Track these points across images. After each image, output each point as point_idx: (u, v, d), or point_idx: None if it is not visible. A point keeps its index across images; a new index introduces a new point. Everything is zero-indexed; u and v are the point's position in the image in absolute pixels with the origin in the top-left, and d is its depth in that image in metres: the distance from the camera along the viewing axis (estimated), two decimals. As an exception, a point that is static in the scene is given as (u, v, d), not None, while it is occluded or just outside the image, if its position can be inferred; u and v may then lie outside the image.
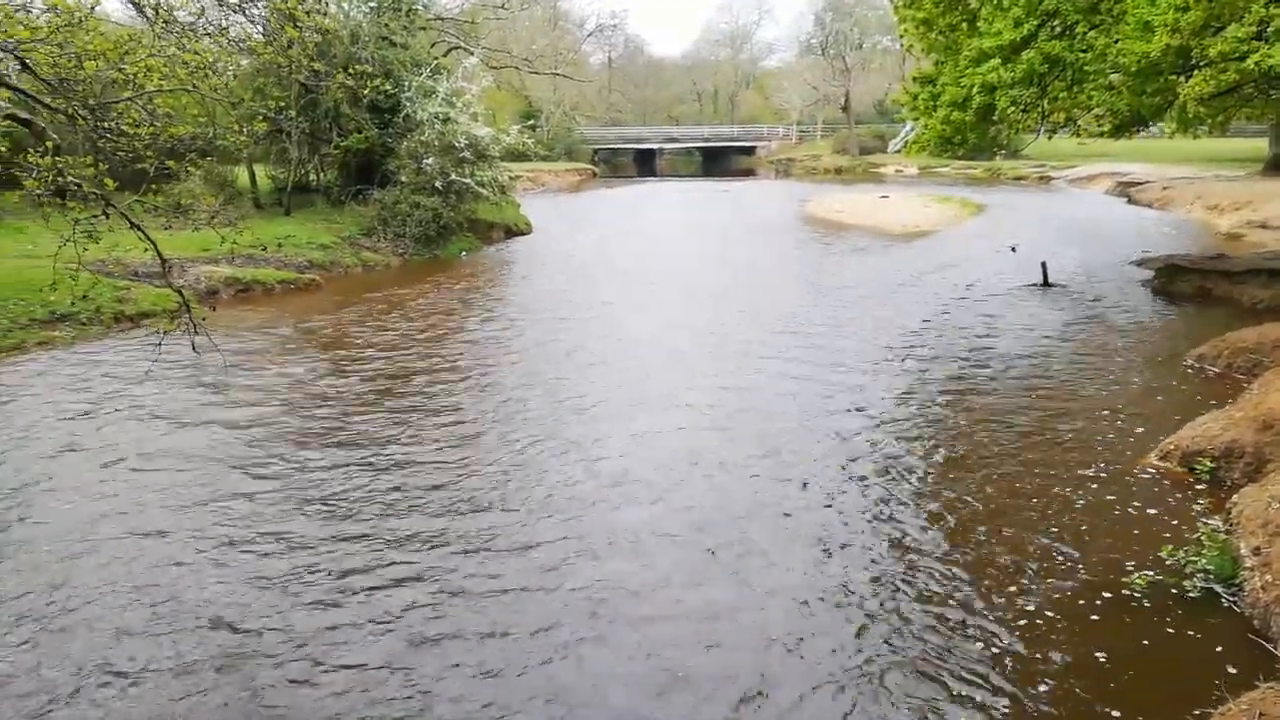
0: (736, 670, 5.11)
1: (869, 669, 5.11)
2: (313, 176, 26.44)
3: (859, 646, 5.34)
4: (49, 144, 4.85)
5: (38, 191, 4.85)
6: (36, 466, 8.31)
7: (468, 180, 23.46)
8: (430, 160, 22.94)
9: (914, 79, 17.35)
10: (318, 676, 5.12)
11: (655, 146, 70.88)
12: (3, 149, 5.14)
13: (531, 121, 36.81)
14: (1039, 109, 15.36)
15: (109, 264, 15.31)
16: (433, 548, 6.66)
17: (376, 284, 18.80)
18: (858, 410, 9.68)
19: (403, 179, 23.11)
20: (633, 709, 4.79)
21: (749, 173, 64.36)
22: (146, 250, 6.24)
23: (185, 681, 5.07)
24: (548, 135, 53.04)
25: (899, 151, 59.73)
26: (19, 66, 6.29)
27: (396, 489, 7.75)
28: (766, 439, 8.87)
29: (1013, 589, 5.93)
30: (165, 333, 6.23)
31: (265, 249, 14.42)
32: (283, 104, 19.40)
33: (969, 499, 7.35)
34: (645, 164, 69.95)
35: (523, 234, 27.17)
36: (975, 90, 14.51)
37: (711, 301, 16.19)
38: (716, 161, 71.31)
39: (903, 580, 6.10)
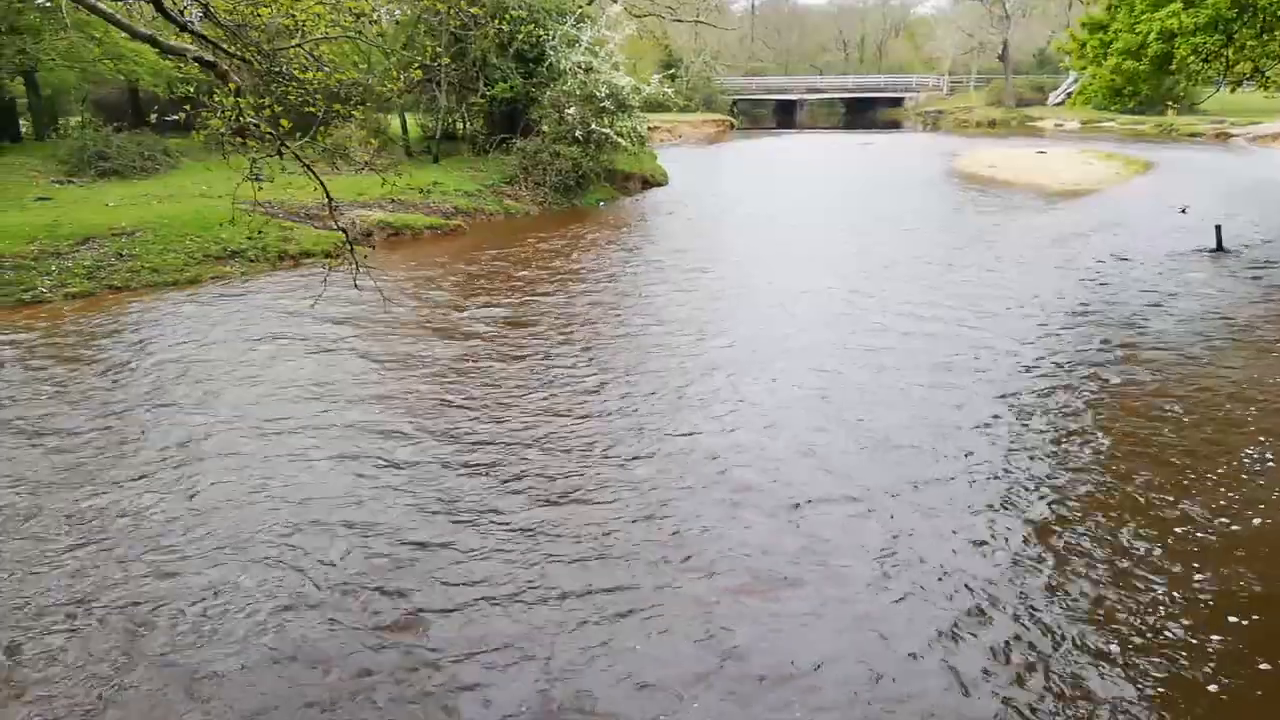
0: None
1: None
2: (459, 125, 27.18)
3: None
4: (232, 85, 5.20)
5: (221, 130, 5.22)
6: (210, 387, 9.04)
7: (607, 130, 23.55)
8: (572, 110, 23.16)
9: (1083, 24, 16.18)
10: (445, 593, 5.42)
11: (796, 97, 69.00)
12: (189, 90, 5.52)
13: (671, 71, 36.37)
14: (1222, 58, 14.03)
15: (274, 206, 16.29)
16: (569, 478, 6.88)
17: (517, 231, 19.24)
18: (992, 378, 9.26)
19: (544, 128, 23.44)
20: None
21: (895, 125, 61.89)
22: (312, 191, 6.60)
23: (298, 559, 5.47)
24: (687, 85, 52.39)
25: (1060, 104, 55.94)
26: (201, 14, 6.72)
27: (532, 421, 8.01)
28: (905, 400, 8.66)
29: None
30: (330, 269, 6.60)
31: (425, 192, 14.83)
32: (434, 53, 19.94)
33: (1114, 496, 6.96)
34: (785, 115, 68.30)
35: (659, 185, 27.14)
36: (1152, 37, 13.42)
37: (851, 257, 15.78)
38: (860, 113, 68.78)
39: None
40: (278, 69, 6.54)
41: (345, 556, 5.87)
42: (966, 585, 5.44)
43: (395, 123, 26.70)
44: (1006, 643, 4.91)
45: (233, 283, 13.90)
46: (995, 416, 8.16)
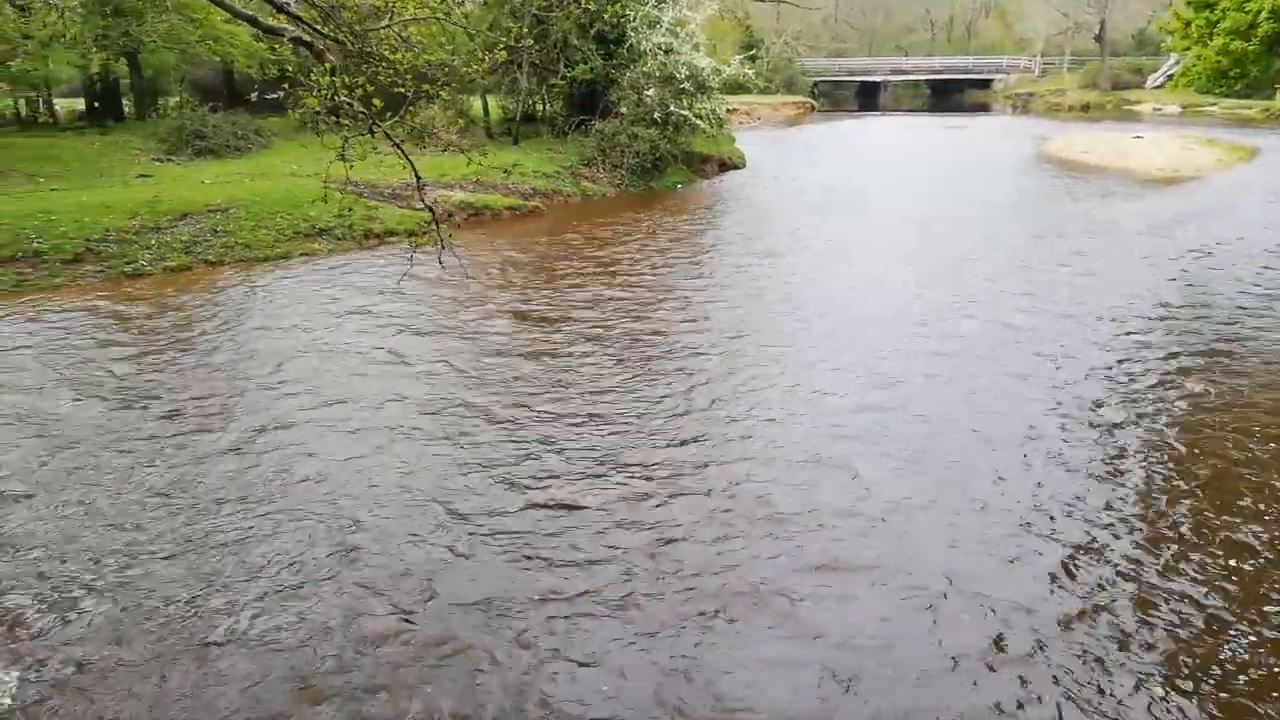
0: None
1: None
2: (539, 107, 27.38)
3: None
4: (328, 65, 5.35)
5: (317, 109, 5.38)
6: (298, 359, 9.35)
7: (686, 112, 23.45)
8: (651, 91, 23.11)
9: (1188, 3, 15.41)
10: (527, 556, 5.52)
11: (880, 79, 67.45)
12: (286, 69, 5.69)
13: (752, 52, 35.93)
14: (1340, 39, 13.22)
15: (361, 185, 16.70)
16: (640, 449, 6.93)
17: (594, 213, 19.33)
18: (1069, 375, 8.94)
19: (623, 110, 23.46)
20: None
21: (982, 108, 60.03)
22: (398, 172, 6.73)
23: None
24: (767, 66, 51.75)
25: (1159, 87, 53.50)
26: (296, -4, 6.92)
27: (608, 398, 8.08)
28: (977, 392, 8.45)
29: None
30: (417, 246, 6.75)
31: (506, 173, 15.02)
32: (518, 34, 20.13)
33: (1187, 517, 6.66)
34: (868, 97, 66.87)
35: (737, 168, 26.90)
36: (1263, 15, 12.71)
37: (933, 243, 15.44)
38: (946, 95, 66.93)
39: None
40: (368, 49, 6.69)
41: (436, 530, 6.03)
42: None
43: (477, 105, 27.05)
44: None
45: (320, 259, 14.32)
46: (1064, 434, 7.44)
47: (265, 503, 6.35)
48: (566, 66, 24.49)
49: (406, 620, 5.04)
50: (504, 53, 10.87)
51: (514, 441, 7.38)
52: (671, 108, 23.27)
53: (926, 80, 69.59)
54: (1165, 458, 7.08)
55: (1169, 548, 5.71)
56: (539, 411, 8.00)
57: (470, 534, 5.94)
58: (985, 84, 66.61)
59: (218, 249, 14.13)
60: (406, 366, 9.20)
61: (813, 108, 57.14)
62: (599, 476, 6.74)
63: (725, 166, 26.74)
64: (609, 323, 10.76)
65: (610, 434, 7.51)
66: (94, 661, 4.70)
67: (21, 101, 26.88)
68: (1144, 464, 6.97)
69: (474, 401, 8.25)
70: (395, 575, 5.47)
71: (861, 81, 68.09)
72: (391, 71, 6.50)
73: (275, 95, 6.77)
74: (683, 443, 7.34)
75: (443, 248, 6.31)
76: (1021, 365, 9.13)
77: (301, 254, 14.55)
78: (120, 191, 16.48)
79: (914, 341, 9.93)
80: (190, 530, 5.99)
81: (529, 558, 5.66)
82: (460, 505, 6.32)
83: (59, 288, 12.36)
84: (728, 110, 26.89)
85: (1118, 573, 5.45)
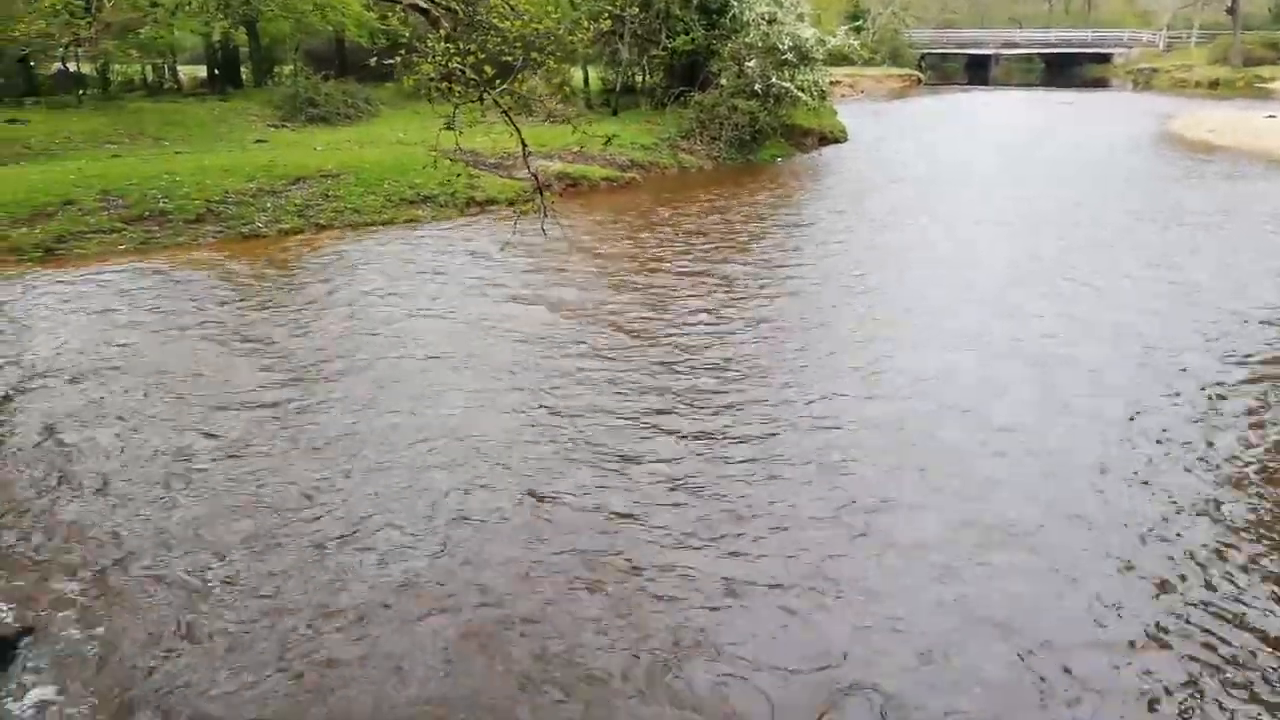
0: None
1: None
2: (638, 78, 27.36)
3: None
4: (443, 31, 5.48)
5: (431, 76, 5.53)
6: (399, 321, 9.67)
7: (788, 84, 23.03)
8: (752, 63, 22.78)
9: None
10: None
11: (991, 52, 64.78)
12: (402, 36, 5.87)
13: (857, 23, 35.11)
14: None
15: (464, 153, 17.03)
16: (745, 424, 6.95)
17: (690, 185, 19.26)
18: (1166, 403, 7.96)
19: (723, 82, 23.22)
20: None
21: (1100, 84, 57.12)
22: (500, 141, 6.85)
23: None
24: (872, 38, 50.41)
25: (1299, 62, 49.91)
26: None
27: (703, 369, 8.11)
28: (1097, 386, 8.15)
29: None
30: (521, 214, 6.88)
31: (607, 143, 15.08)
32: (622, 4, 20.13)
33: None
34: (977, 71, 64.37)
35: (838, 142, 26.35)
36: None
37: (1041, 224, 14.85)
38: (1061, 70, 63.84)
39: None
40: (479, 18, 6.81)
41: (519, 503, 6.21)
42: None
43: (577, 76, 27.18)
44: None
45: (423, 226, 14.70)
46: (1148, 462, 6.55)
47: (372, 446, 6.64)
48: (668, 37, 24.36)
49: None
50: (609, 21, 10.88)
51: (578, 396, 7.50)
52: (773, 79, 22.90)
53: (1041, 54, 66.49)
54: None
55: None
56: (611, 377, 8.09)
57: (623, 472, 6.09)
58: (1104, 58, 63.28)
59: (328, 213, 14.65)
60: (501, 328, 9.40)
61: (919, 81, 55.47)
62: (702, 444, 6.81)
63: (825, 140, 26.22)
64: (711, 295, 10.76)
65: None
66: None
67: (149, 68, 28.24)
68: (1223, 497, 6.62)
69: (570, 368, 8.39)
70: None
71: (971, 54, 65.56)
72: (500, 39, 6.61)
73: (387, 63, 6.97)
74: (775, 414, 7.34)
75: (545, 215, 6.42)
76: (1109, 368, 8.77)
77: (406, 220, 14.96)
78: (239, 156, 17.23)
79: (998, 336, 9.63)
80: (286, 465, 6.31)
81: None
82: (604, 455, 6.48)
83: (182, 246, 13.05)
84: (830, 82, 26.32)
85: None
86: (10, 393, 7.90)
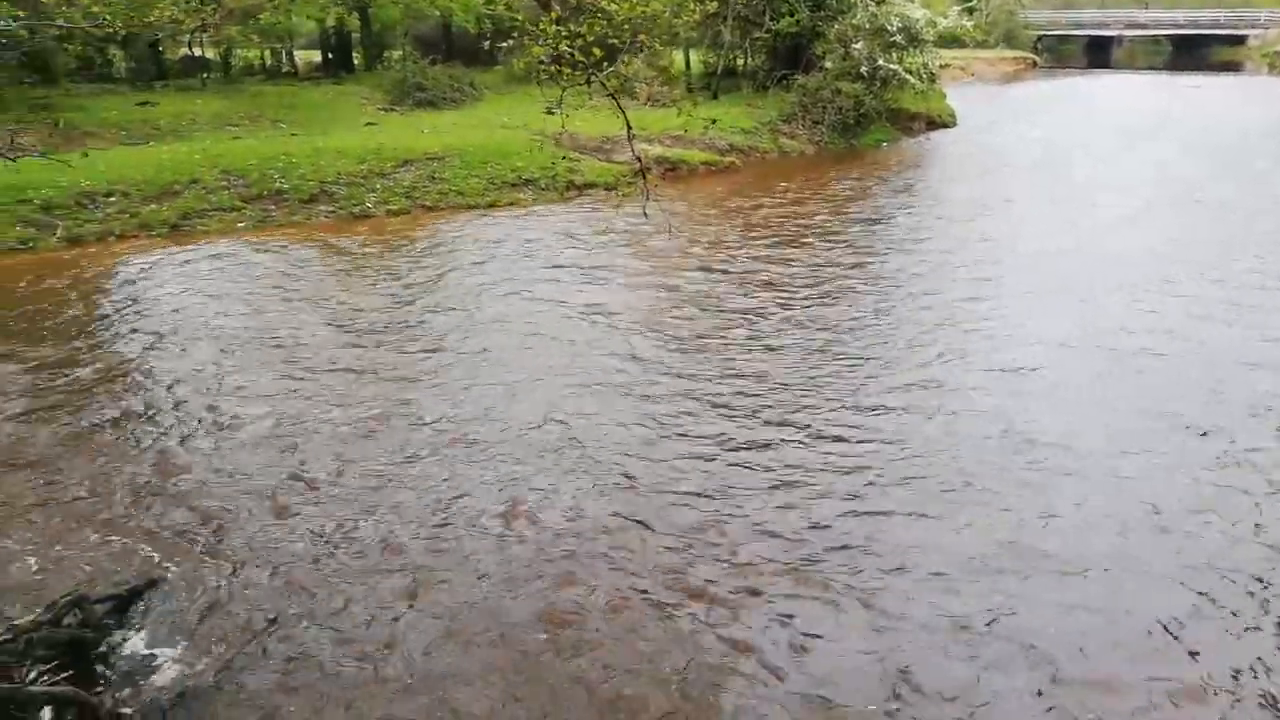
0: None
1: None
2: (740, 62, 27.06)
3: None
4: (554, 14, 5.51)
5: (541, 58, 5.57)
6: (499, 302, 9.82)
7: (895, 66, 22.43)
8: (859, 45, 22.25)
9: None
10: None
11: (1113, 33, 61.64)
12: (516, 19, 5.94)
13: (971, 3, 33.82)
14: None
15: (565, 137, 17.18)
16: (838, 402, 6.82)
17: (790, 170, 18.96)
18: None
19: (827, 64, 22.79)
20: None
21: (1231, 67, 53.63)
22: (598, 125, 6.84)
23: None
24: (986, 19, 48.55)
25: None
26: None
27: (814, 356, 8.00)
28: (1208, 401, 7.69)
29: None
30: (624, 196, 6.90)
31: (706, 128, 15.06)
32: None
33: None
34: (1098, 53, 61.34)
35: (945, 126, 25.52)
36: None
37: (1149, 227, 13.99)
38: (1189, 52, 60.21)
39: None
40: (589, 1, 6.82)
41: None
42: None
43: (678, 59, 27.05)
44: None
45: (524, 209, 14.89)
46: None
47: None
48: (772, 19, 24.00)
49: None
50: (714, 3, 10.78)
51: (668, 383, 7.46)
52: (880, 62, 22.33)
53: (1167, 35, 62.88)
54: None
55: None
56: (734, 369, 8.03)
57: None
58: (1238, 40, 59.39)
59: (434, 195, 15.00)
60: (597, 312, 9.46)
61: (1034, 64, 53.25)
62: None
63: (934, 124, 25.43)
64: (816, 284, 10.59)
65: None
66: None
67: (268, 53, 29.42)
68: None
69: (663, 356, 8.38)
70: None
71: (1091, 36, 62.53)
72: (606, 23, 6.60)
73: (501, 45, 7.04)
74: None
75: (647, 198, 6.40)
76: (1217, 394, 8.22)
77: (508, 203, 15.18)
78: (350, 138, 17.78)
79: (1125, 319, 9.17)
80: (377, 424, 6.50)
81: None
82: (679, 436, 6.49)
83: (296, 224, 13.57)
84: (940, 65, 25.50)
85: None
86: (141, 354, 8.38)
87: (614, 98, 5.77)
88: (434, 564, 5.18)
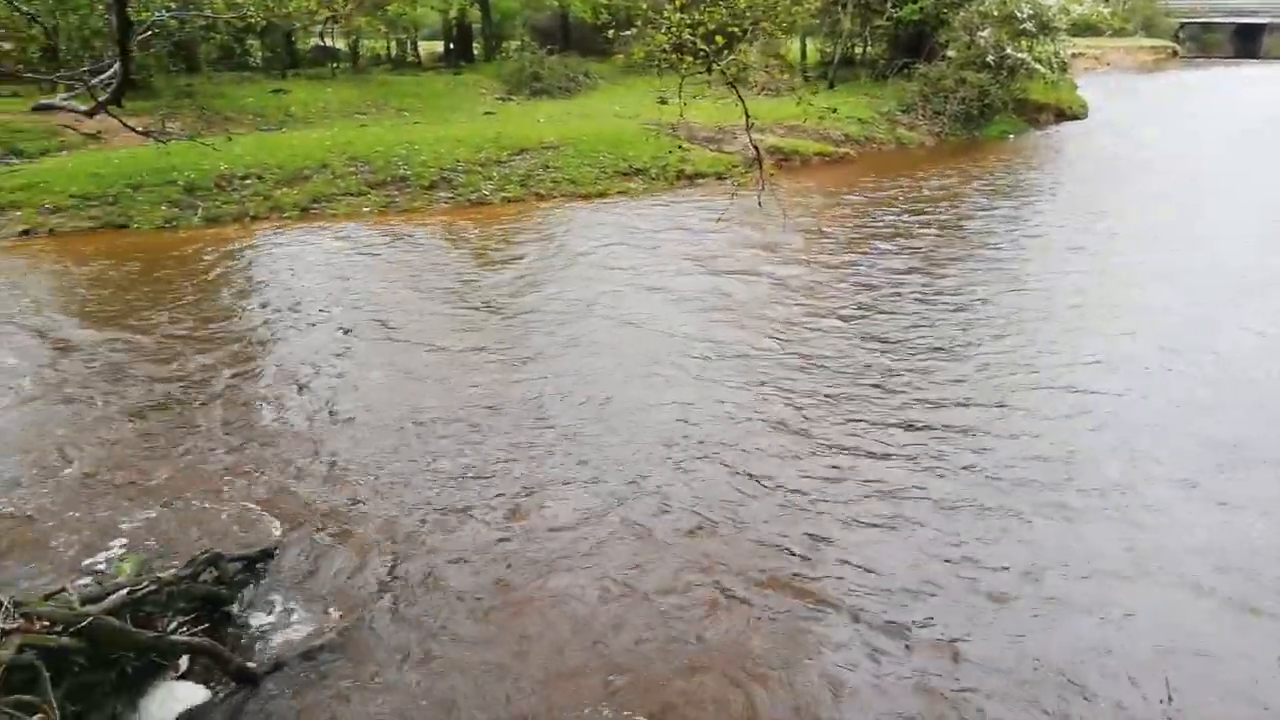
0: None
1: None
2: (858, 50, 26.48)
3: None
4: (678, 3, 5.52)
5: (664, 46, 5.58)
6: (612, 288, 9.91)
7: (1024, 55, 21.54)
8: (986, 32, 21.47)
9: None
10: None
11: (1265, 20, 57.38)
12: (639, 7, 5.96)
13: (1108, -11, 32.12)
14: None
15: (676, 127, 17.20)
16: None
17: (908, 163, 18.45)
18: None
19: (951, 53, 22.04)
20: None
21: (1402, 55, 49.30)
22: (712, 113, 6.78)
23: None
24: (1124, 6, 46.04)
25: None
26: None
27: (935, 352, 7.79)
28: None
29: None
30: (740, 185, 6.85)
31: (820, 118, 14.83)
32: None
33: None
34: (1245, 43, 57.21)
35: (1076, 118, 24.38)
36: None
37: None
38: (1352, 40, 55.61)
39: None
40: (706, -11, 6.79)
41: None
42: None
43: (793, 47, 26.66)
44: None
45: (635, 198, 14.97)
46: None
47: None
48: (894, 6, 23.36)
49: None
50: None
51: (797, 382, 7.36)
52: (1007, 50, 21.49)
53: (1327, 22, 58.15)
54: None
55: None
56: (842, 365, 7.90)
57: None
58: None
59: (547, 183, 15.24)
60: (712, 302, 9.43)
61: (1174, 53, 50.18)
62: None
63: (1063, 116, 24.34)
64: (936, 287, 10.30)
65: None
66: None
67: (393, 43, 30.42)
68: None
69: (775, 349, 8.30)
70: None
71: (1239, 24, 58.37)
72: (727, 10, 6.56)
73: (624, 34, 7.08)
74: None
75: (762, 188, 6.34)
76: None
77: (618, 192, 15.29)
78: (469, 127, 18.24)
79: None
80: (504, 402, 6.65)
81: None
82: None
83: (417, 210, 14.02)
84: (1071, 54, 24.35)
85: None
86: (271, 327, 8.84)
87: (733, 86, 5.74)
88: (548, 545, 5.28)
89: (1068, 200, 14.83)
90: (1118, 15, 31.45)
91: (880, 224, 13.05)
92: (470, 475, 6.04)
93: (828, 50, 26.18)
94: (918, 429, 6.60)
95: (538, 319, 9.11)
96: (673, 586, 4.87)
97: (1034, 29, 21.48)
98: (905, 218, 13.39)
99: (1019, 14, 21.20)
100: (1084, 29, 25.29)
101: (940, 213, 13.70)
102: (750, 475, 5.99)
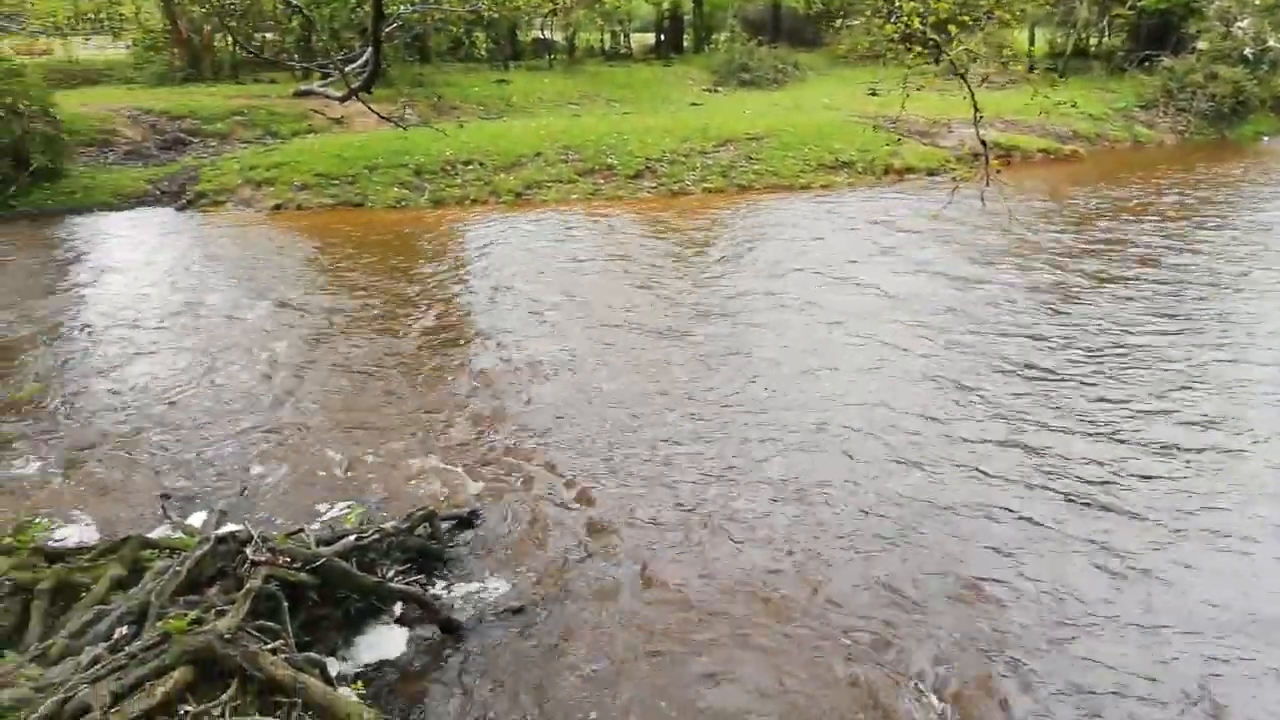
0: None
1: None
2: (1094, 41, 24.57)
3: None
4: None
5: (893, 36, 5.41)
6: (809, 283, 9.74)
7: (1290, 47, 19.25)
8: (1245, 22, 19.35)
9: None
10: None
11: None
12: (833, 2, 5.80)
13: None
14: None
15: (886, 120, 16.65)
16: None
17: (1145, 164, 16.95)
18: None
19: (1201, 45, 20.03)
20: None
21: None
22: (923, 106, 6.46)
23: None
24: None
25: None
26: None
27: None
28: None
29: None
30: (962, 180, 6.54)
31: (1045, 112, 13.92)
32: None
33: None
34: None
35: (1354, 119, 21.47)
36: None
37: None
38: None
39: None
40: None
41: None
42: None
43: (1019, 37, 25.10)
44: None
45: (838, 191, 14.64)
46: None
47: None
48: (1142, -7, 21.50)
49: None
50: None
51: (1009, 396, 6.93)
52: (1270, 42, 19.28)
53: None
54: None
55: None
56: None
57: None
58: None
59: (750, 175, 15.20)
60: (910, 303, 9.09)
61: None
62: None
63: (1334, 116, 21.49)
64: (1156, 301, 9.45)
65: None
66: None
67: (607, 35, 31.25)
68: None
69: (982, 360, 7.88)
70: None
71: None
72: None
73: (830, 26, 6.92)
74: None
75: (987, 184, 6.02)
76: None
77: (821, 185, 15.01)
78: (675, 118, 18.49)
79: None
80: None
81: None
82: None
83: (621, 198, 14.38)
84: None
85: None
86: (482, 304, 9.37)
87: (963, 77, 5.48)
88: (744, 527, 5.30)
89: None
90: None
91: (1104, 230, 12.06)
92: (676, 453, 6.13)
93: (1059, 40, 24.47)
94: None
95: (737, 310, 9.09)
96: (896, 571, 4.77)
97: (1307, 17, 19.14)
98: (1134, 224, 12.31)
99: (1290, 0, 18.96)
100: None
101: (1179, 219, 12.48)
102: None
